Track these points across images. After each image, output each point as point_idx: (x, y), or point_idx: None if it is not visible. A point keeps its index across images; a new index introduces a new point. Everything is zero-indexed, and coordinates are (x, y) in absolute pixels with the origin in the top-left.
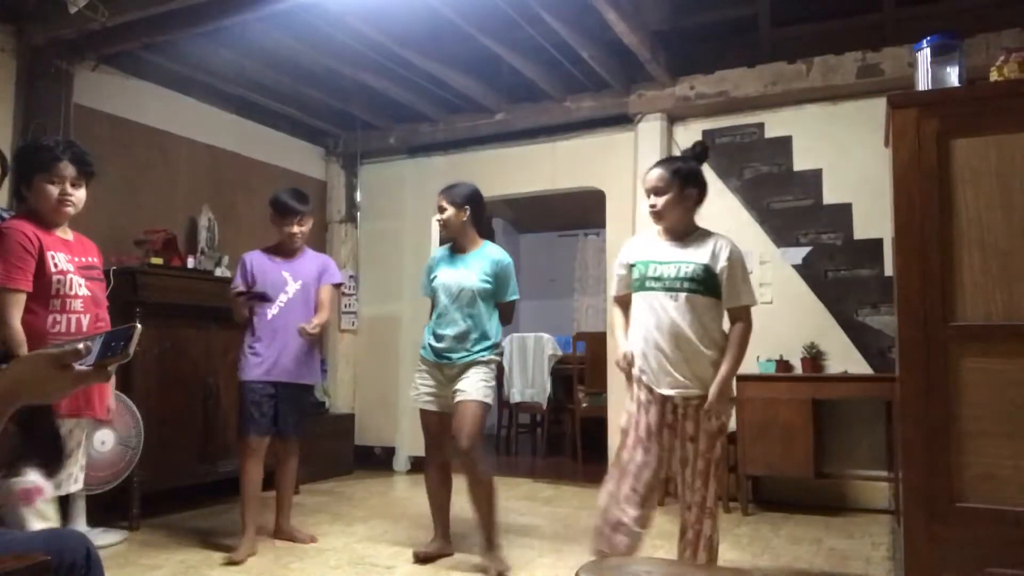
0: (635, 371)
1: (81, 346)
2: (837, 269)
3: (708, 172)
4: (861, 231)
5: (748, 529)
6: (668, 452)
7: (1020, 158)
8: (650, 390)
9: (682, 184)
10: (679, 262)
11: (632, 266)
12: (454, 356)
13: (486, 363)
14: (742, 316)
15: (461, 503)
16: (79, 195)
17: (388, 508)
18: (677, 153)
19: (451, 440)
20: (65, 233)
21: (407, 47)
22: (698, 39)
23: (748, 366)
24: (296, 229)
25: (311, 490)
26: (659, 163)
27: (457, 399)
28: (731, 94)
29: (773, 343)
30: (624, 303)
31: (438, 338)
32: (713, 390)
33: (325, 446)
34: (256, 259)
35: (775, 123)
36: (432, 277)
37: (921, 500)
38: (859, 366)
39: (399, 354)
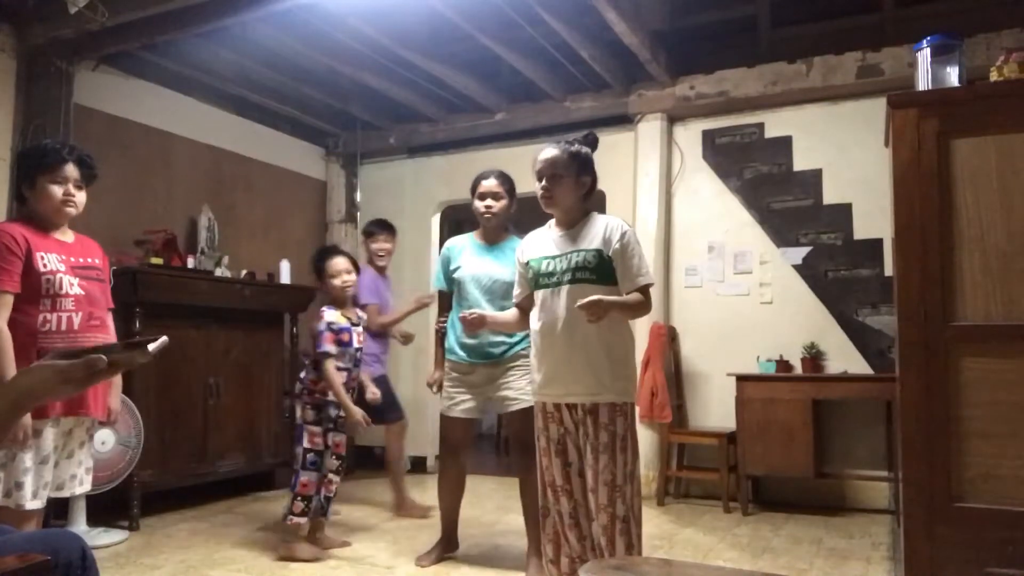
0: (533, 396)
1: (95, 357)
2: (837, 269)
3: (708, 172)
4: (861, 231)
5: (748, 529)
6: (571, 466)
7: (1020, 158)
8: (544, 409)
9: (579, 171)
10: (570, 252)
11: (527, 264)
12: (495, 352)
13: (526, 357)
14: (643, 296)
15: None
16: (80, 197)
17: (388, 508)
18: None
19: (470, 449)
20: (64, 235)
21: (407, 47)
22: (698, 39)
23: (748, 366)
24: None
25: None
26: (551, 144)
27: (510, 408)
28: (731, 94)
29: (773, 343)
30: (523, 309)
31: (471, 334)
32: (595, 298)
33: None
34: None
35: (775, 123)
36: (454, 268)
37: (921, 500)
38: (859, 366)
39: (399, 354)
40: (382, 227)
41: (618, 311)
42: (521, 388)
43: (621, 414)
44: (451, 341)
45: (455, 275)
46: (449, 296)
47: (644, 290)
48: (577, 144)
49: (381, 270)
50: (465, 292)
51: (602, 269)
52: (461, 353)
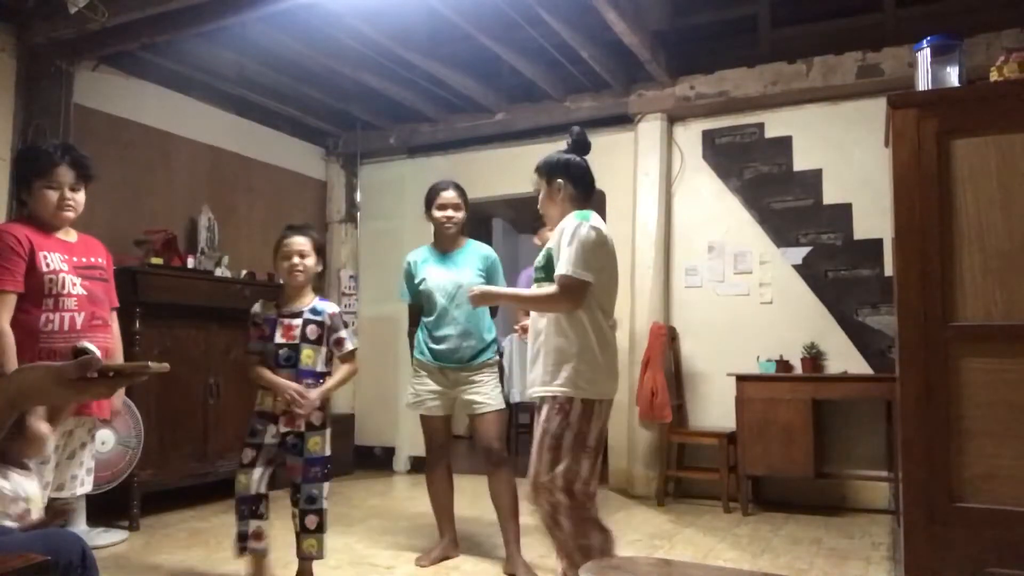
0: None
1: (89, 357)
2: (837, 269)
3: (708, 172)
4: (861, 231)
5: (748, 529)
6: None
7: (1020, 158)
8: (541, 401)
9: (548, 178)
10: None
11: None
12: (463, 356)
13: (492, 366)
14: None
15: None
16: (78, 199)
17: (388, 508)
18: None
19: (453, 442)
20: (67, 235)
21: (407, 47)
22: (698, 39)
23: (748, 366)
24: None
25: None
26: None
27: (479, 411)
28: (731, 94)
29: (773, 343)
30: None
31: (438, 340)
32: (476, 288)
33: None
34: None
35: (775, 123)
36: (419, 280)
37: (921, 500)
38: (859, 366)
39: (399, 354)
40: None
41: (512, 302)
42: (488, 393)
43: (560, 412)
44: (420, 344)
45: (421, 287)
46: (417, 308)
47: (560, 281)
48: (550, 154)
49: None
50: (433, 301)
51: (549, 267)
52: (429, 356)
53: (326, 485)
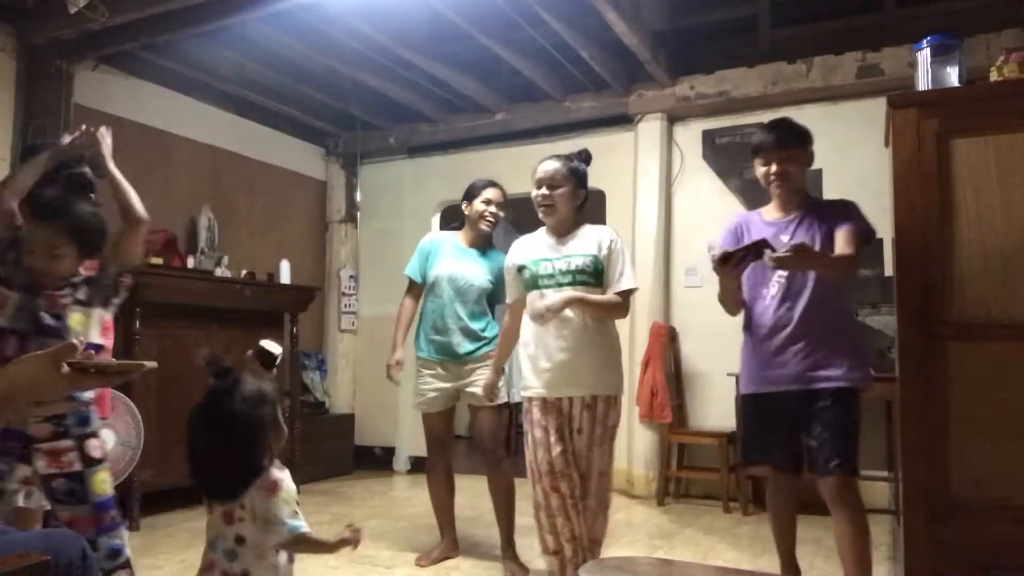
0: (524, 393)
1: (76, 341)
2: None
3: (708, 172)
4: None
5: (748, 529)
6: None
7: (1020, 158)
8: (544, 402)
9: (576, 183)
10: (569, 256)
11: (521, 268)
12: (461, 351)
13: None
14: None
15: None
16: None
17: (388, 508)
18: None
19: (454, 442)
20: None
21: (407, 47)
22: (698, 39)
23: None
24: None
25: (311, 490)
26: (552, 157)
27: (479, 403)
28: (731, 94)
29: None
30: (517, 308)
31: (439, 331)
32: (565, 294)
33: (325, 446)
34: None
35: None
36: (433, 264)
37: (921, 500)
38: None
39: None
40: None
41: (591, 309)
42: None
43: (613, 407)
44: (421, 340)
45: (430, 270)
46: (420, 286)
47: (623, 294)
48: (575, 160)
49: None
50: (439, 290)
51: (598, 273)
52: (428, 350)
53: (124, 531)
